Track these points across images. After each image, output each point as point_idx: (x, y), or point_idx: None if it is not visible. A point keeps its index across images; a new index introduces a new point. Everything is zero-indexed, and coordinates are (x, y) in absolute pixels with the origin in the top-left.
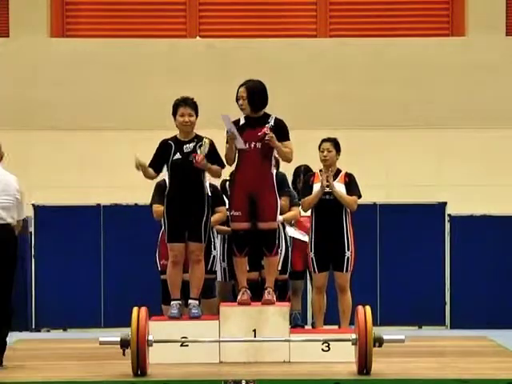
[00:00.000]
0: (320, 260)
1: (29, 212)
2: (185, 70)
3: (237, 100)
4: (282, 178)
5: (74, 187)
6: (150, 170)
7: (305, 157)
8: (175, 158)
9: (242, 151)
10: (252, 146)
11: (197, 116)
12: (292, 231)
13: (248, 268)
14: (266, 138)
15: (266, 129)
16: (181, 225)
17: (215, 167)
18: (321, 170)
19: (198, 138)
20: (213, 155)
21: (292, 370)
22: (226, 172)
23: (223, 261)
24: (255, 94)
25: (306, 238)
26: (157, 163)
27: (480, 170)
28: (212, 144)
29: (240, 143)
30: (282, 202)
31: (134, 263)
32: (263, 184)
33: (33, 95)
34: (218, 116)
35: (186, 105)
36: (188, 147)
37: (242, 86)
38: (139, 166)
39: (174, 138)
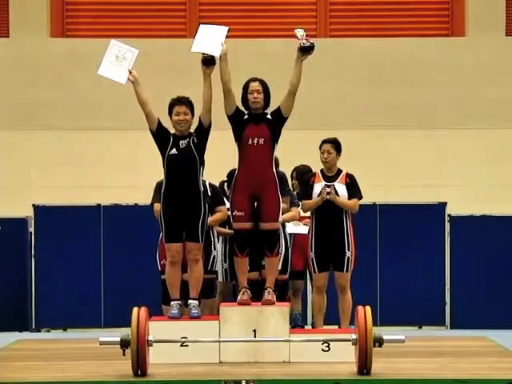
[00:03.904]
0: (320, 260)
1: (29, 212)
2: (185, 70)
3: (249, 93)
4: (281, 177)
5: (73, 187)
6: (145, 95)
7: (305, 157)
8: (171, 153)
9: (244, 149)
10: (255, 142)
11: (193, 115)
12: (291, 228)
13: (248, 268)
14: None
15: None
16: (178, 224)
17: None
18: (321, 170)
19: (191, 133)
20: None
21: (292, 370)
22: (224, 172)
23: (225, 262)
24: (268, 92)
25: (306, 229)
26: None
27: (480, 169)
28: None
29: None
30: (282, 200)
31: (133, 263)
32: (266, 183)
33: (33, 95)
34: (217, 116)
35: (181, 103)
36: (183, 143)
37: (252, 80)
38: (133, 79)
39: (172, 134)
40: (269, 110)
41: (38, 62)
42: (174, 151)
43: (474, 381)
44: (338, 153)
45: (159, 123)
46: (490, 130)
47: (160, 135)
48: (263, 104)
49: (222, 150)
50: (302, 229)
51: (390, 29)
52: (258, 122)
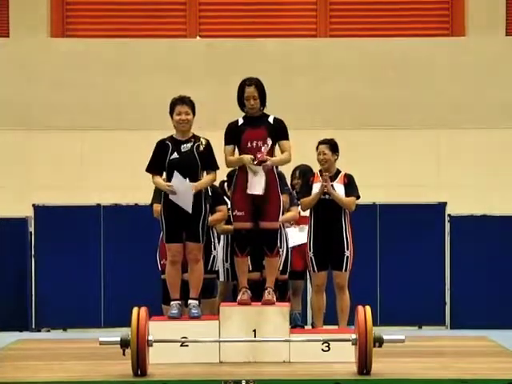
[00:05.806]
0: (319, 259)
1: (29, 212)
2: (185, 70)
3: (245, 100)
4: (280, 177)
5: (73, 187)
6: (160, 180)
7: (304, 157)
8: (172, 157)
9: (244, 151)
10: (254, 144)
11: (194, 115)
12: (293, 239)
13: (251, 268)
14: (267, 163)
15: (262, 154)
16: (178, 225)
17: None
18: (320, 171)
19: (196, 138)
20: (207, 156)
21: (292, 370)
22: (224, 172)
23: (226, 261)
24: (264, 92)
25: (304, 236)
26: (158, 166)
27: (480, 170)
28: (208, 144)
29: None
30: (282, 198)
31: (134, 263)
32: (266, 183)
33: (33, 95)
34: (217, 116)
35: (183, 103)
36: (185, 147)
37: (247, 85)
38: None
39: (171, 138)
40: (272, 115)
41: (38, 62)
42: (175, 155)
43: (474, 381)
44: (333, 153)
45: (161, 163)
46: (490, 130)
47: (162, 159)
48: (259, 107)
49: (221, 149)
50: (301, 236)
51: (390, 29)
52: (257, 125)
